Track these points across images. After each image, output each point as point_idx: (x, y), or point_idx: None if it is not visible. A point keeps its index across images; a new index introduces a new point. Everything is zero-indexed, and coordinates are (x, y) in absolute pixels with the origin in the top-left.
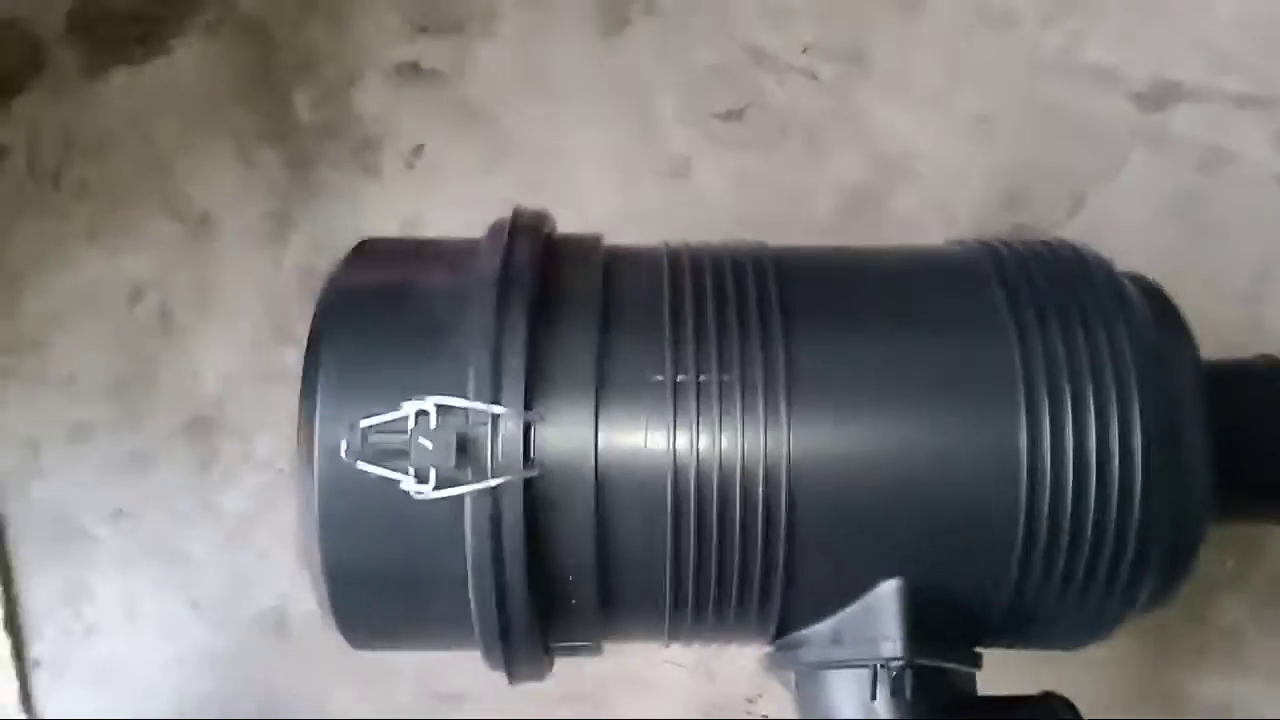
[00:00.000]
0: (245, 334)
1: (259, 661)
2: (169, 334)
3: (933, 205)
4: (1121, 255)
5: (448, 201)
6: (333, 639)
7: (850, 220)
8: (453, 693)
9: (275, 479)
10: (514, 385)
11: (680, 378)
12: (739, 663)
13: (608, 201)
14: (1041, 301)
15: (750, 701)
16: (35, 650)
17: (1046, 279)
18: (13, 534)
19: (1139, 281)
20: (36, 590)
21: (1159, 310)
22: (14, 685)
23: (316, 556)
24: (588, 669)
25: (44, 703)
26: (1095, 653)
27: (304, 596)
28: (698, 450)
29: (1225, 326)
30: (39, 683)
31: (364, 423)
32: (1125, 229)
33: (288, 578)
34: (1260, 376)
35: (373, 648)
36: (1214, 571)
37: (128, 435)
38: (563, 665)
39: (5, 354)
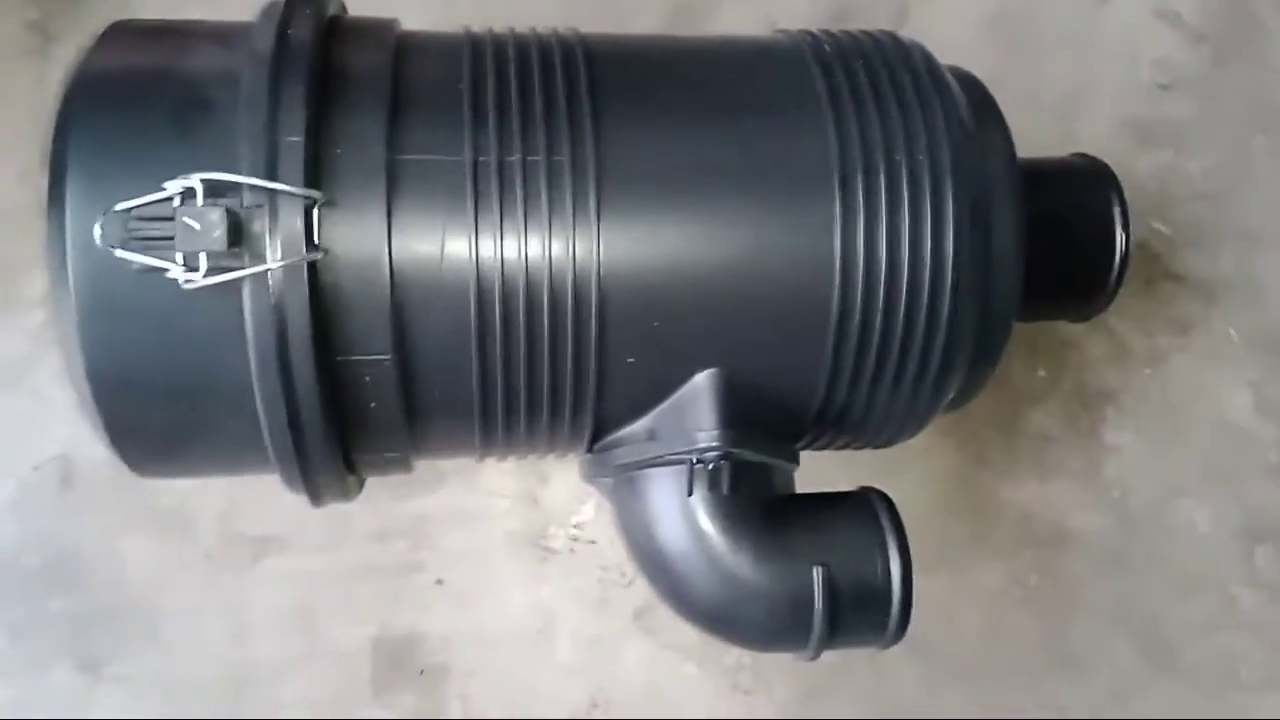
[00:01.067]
0: (8, 162)
1: (44, 513)
2: None
3: (760, 19)
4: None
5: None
6: (124, 487)
7: (672, 31)
8: (262, 536)
9: (49, 320)
10: (293, 160)
11: (481, 158)
12: (563, 490)
13: (418, 12)
14: (858, 85)
15: (576, 528)
16: None
17: (865, 64)
18: None
19: (957, 73)
20: None
21: (976, 100)
22: None
23: (79, 363)
24: (405, 504)
25: None
26: (913, 466)
27: (90, 444)
28: (501, 241)
29: (1039, 142)
30: None
31: (121, 205)
32: (946, 45)
33: (71, 423)
34: (1074, 172)
35: (158, 473)
36: (1026, 381)
37: None
38: (378, 501)
39: None
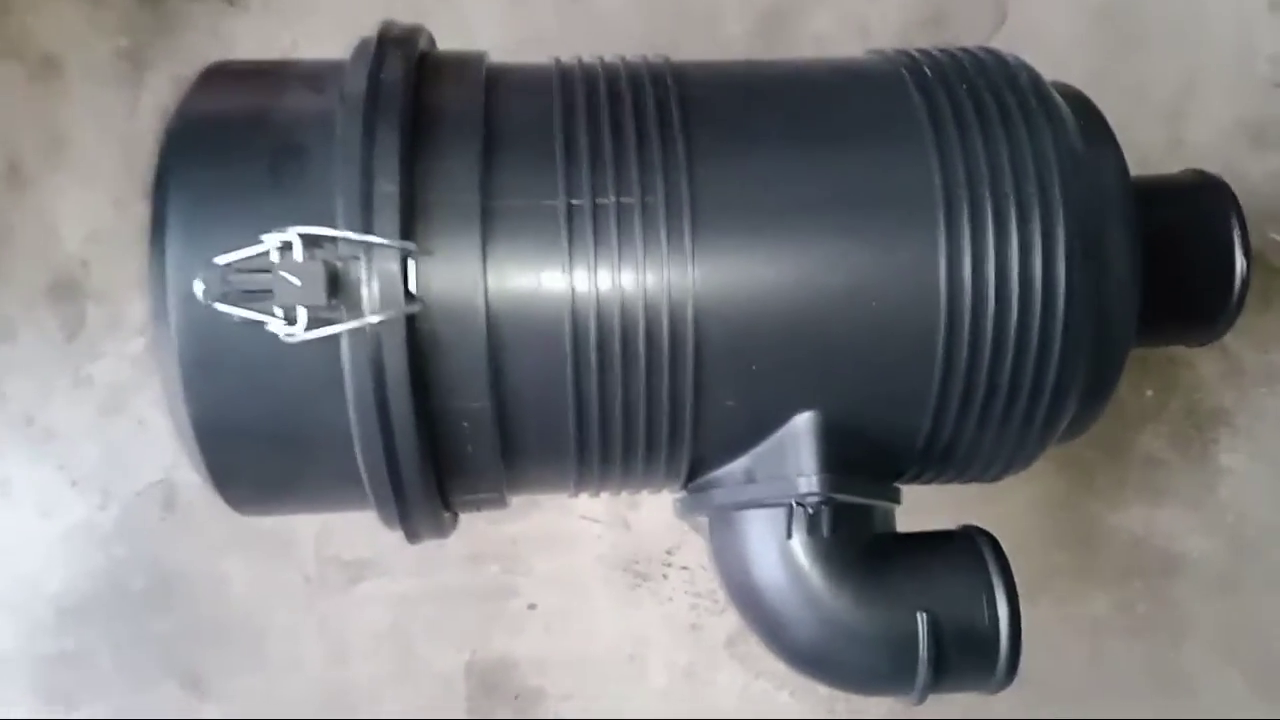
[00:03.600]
0: (104, 188)
1: (148, 536)
2: (20, 190)
3: (850, 24)
4: (1044, 70)
5: (320, 32)
6: (224, 511)
7: (762, 42)
8: (356, 560)
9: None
10: (388, 211)
11: (575, 201)
12: (657, 514)
13: (498, 28)
14: (962, 109)
15: (669, 553)
16: None
17: (967, 86)
18: None
19: (1064, 90)
20: None
21: (1085, 119)
22: None
23: (184, 414)
24: (498, 528)
25: None
26: (1015, 492)
27: (191, 468)
28: (597, 284)
29: (1146, 143)
30: None
31: (221, 260)
32: (1045, 43)
33: (172, 449)
34: (1189, 191)
35: (260, 512)
36: (1133, 402)
37: None
38: (472, 525)
39: None
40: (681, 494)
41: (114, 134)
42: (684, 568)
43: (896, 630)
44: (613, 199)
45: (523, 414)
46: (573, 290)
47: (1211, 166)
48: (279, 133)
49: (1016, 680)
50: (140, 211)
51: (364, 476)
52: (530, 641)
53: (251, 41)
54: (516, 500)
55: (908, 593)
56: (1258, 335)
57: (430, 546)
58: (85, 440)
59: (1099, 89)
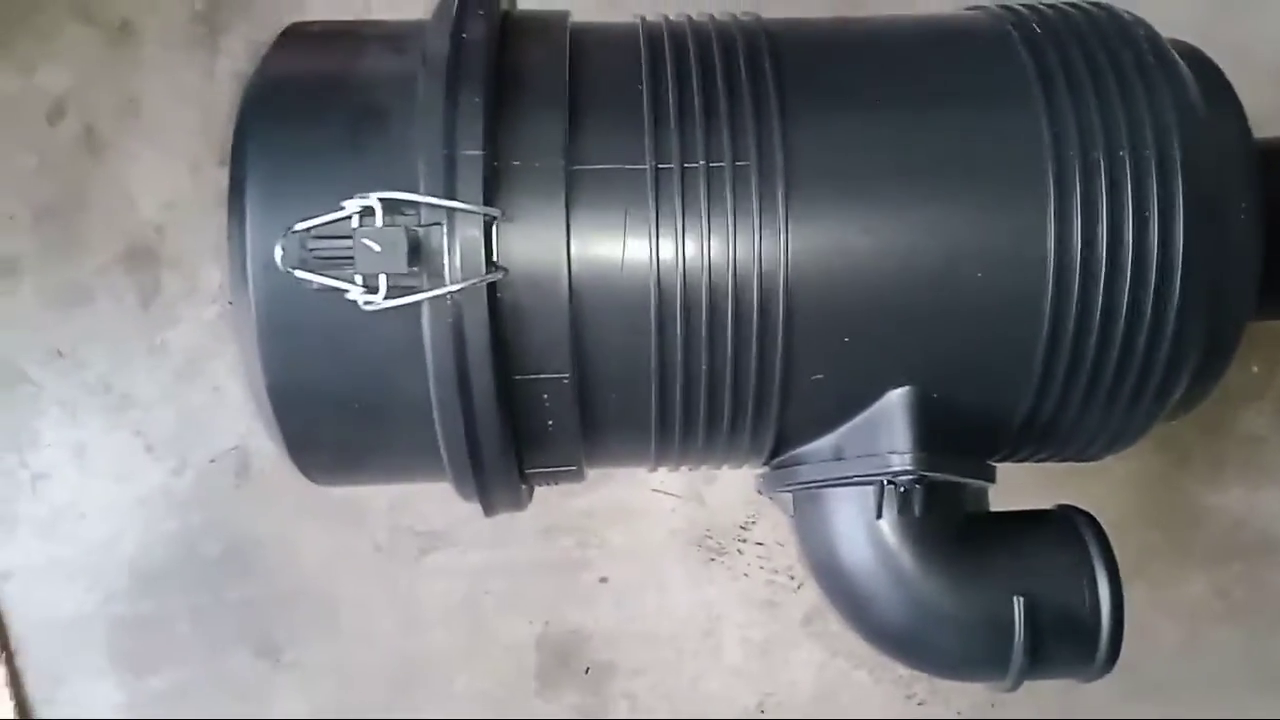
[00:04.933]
0: (180, 153)
1: (222, 503)
2: (96, 155)
3: None
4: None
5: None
6: (298, 479)
7: (851, 3)
8: (429, 530)
9: (226, 312)
10: (471, 176)
11: (662, 165)
12: (731, 488)
13: None
14: (1073, 67)
15: (743, 528)
16: None
17: (1078, 41)
18: None
19: (1182, 48)
20: None
21: (1205, 79)
22: None
23: (260, 381)
24: (571, 501)
25: None
26: (1107, 470)
27: (265, 436)
28: (684, 251)
29: (1253, 110)
30: None
31: (300, 225)
32: (1147, 3)
33: (247, 416)
34: None
35: (334, 482)
36: (1238, 377)
37: (59, 269)
38: (545, 497)
39: None
40: (765, 470)
41: (190, 99)
42: (759, 543)
43: (991, 614)
44: (702, 162)
45: (604, 385)
46: (658, 258)
47: None
48: (359, 95)
49: None
50: (216, 177)
51: (442, 448)
52: (602, 615)
53: (329, 6)
54: (591, 474)
55: (1003, 575)
56: None
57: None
58: (161, 406)
59: (1205, 49)
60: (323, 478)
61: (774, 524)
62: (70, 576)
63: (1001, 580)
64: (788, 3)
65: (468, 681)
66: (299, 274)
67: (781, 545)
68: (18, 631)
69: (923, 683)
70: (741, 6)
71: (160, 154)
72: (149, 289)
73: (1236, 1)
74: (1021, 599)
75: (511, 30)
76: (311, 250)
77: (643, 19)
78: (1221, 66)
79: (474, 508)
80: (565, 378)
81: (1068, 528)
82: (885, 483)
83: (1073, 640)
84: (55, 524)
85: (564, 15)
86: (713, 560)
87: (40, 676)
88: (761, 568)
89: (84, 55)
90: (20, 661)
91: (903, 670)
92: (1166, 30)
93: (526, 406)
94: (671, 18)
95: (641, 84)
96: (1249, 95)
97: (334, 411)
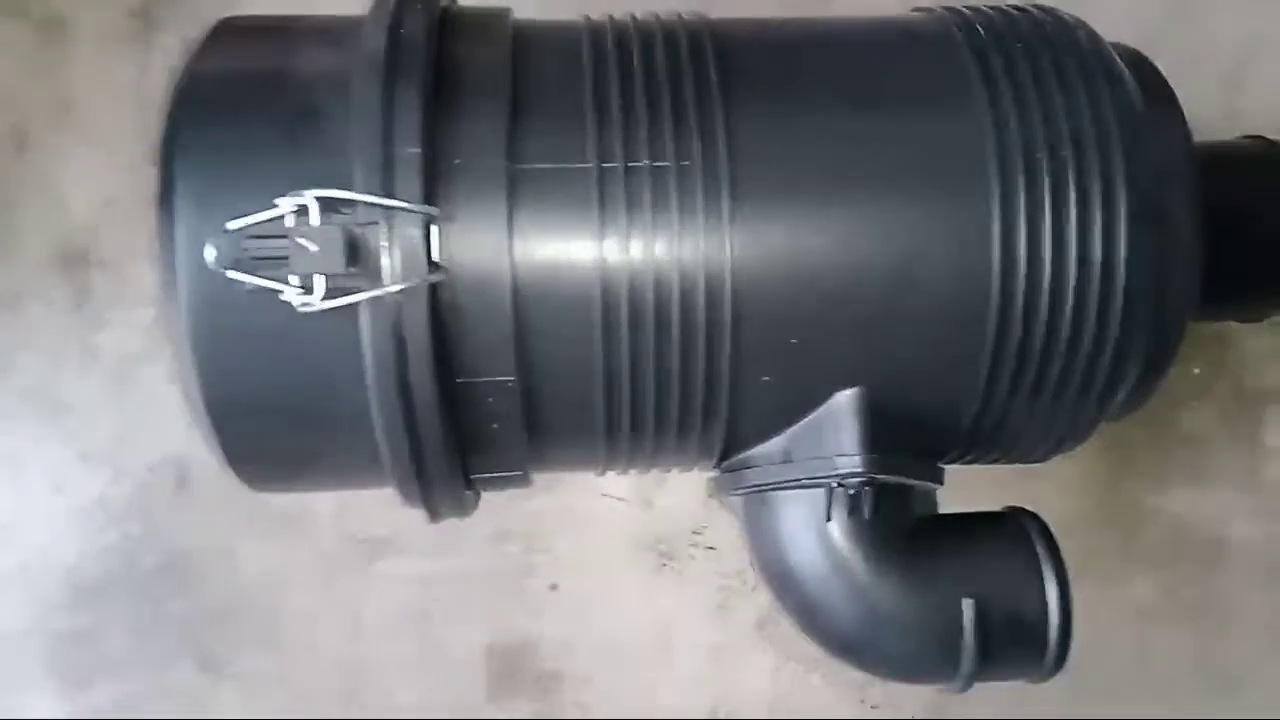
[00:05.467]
0: (113, 152)
1: (161, 512)
2: (25, 155)
3: None
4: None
5: None
6: (239, 487)
7: (799, 5)
8: (376, 538)
9: (161, 315)
10: (410, 174)
11: (606, 165)
12: (683, 492)
13: None
14: (1016, 69)
15: (695, 533)
16: None
17: (1022, 45)
18: None
19: (1126, 52)
20: None
21: (1146, 81)
22: None
23: (194, 386)
24: (519, 506)
25: None
26: (1054, 472)
27: (204, 443)
28: (629, 252)
29: (1203, 111)
30: None
31: (233, 224)
32: (1100, 7)
33: (184, 423)
34: (1254, 159)
35: (274, 489)
36: (1180, 380)
37: None
38: (493, 503)
39: None
40: (714, 473)
41: (123, 96)
42: (711, 548)
43: (941, 616)
44: (647, 162)
45: (550, 388)
46: (604, 259)
47: (1271, 135)
48: (294, 91)
49: None
50: (150, 176)
51: (384, 453)
52: (553, 623)
53: (263, 4)
54: (539, 478)
55: (952, 577)
56: None
57: (450, 525)
58: (96, 414)
59: (1152, 53)
60: (264, 485)
61: (725, 528)
62: (5, 588)
63: (951, 582)
64: (740, 3)
65: (416, 691)
66: (232, 274)
67: (733, 549)
68: None
69: (876, 687)
70: (696, 6)
71: (92, 153)
72: (81, 292)
73: (1187, 9)
74: (971, 601)
75: (451, 26)
76: (245, 250)
77: (586, 17)
78: (1171, 73)
79: (420, 514)
80: (510, 380)
81: (1016, 530)
82: (834, 485)
83: (1022, 642)
84: None
85: (505, 12)
86: (664, 566)
87: None
88: (714, 572)
89: (11, 50)
90: None
91: (856, 675)
92: (1117, 36)
93: (470, 410)
94: (615, 17)
95: (585, 82)
96: (1199, 101)
97: (272, 418)
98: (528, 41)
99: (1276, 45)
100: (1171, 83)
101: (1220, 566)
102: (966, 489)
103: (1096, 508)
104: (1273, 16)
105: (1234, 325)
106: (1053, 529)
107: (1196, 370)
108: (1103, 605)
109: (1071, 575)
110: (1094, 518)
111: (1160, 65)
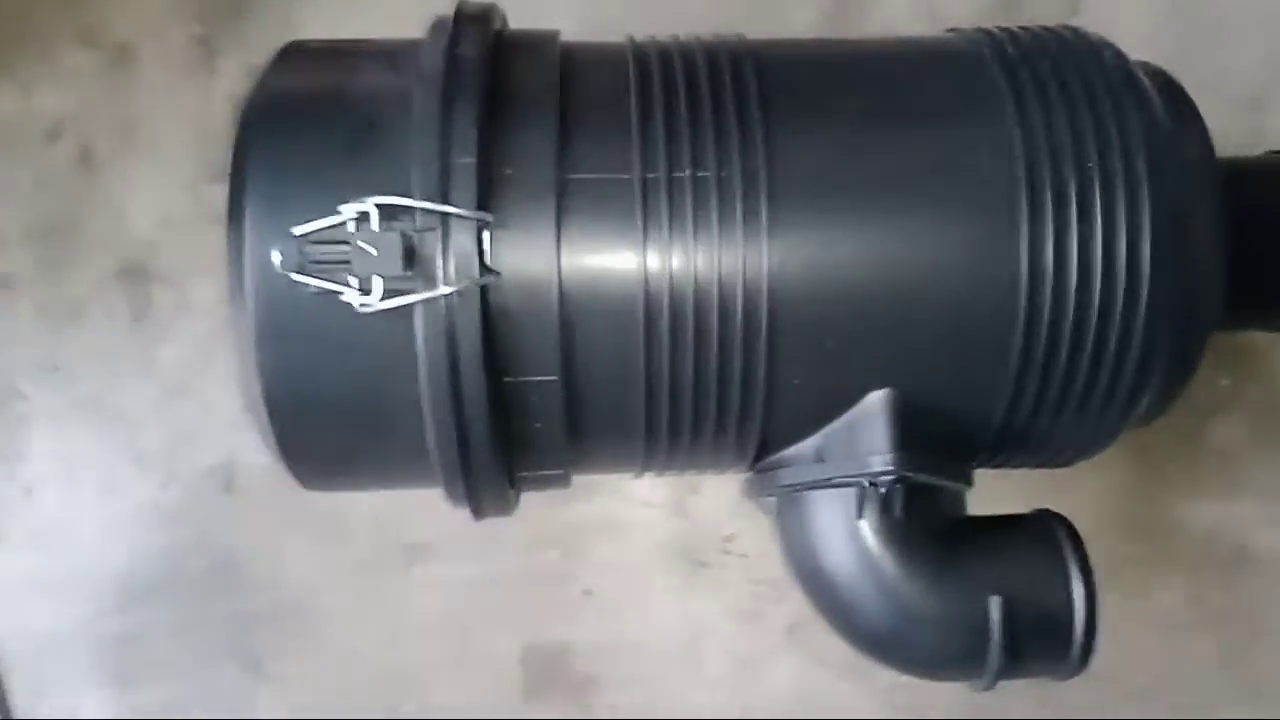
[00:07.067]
0: (175, 173)
1: (209, 517)
2: (92, 175)
3: (922, 10)
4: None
5: (392, 17)
6: (284, 493)
7: (831, 28)
8: (416, 543)
9: (216, 328)
10: (465, 182)
11: (649, 175)
12: (715, 501)
13: (569, 11)
14: (1045, 86)
15: (727, 540)
16: None
17: (1050, 62)
18: None
19: (1150, 70)
20: None
21: (1170, 97)
22: None
23: (255, 382)
24: (557, 514)
25: None
26: (1085, 482)
27: (252, 450)
28: (671, 259)
29: (1225, 133)
30: None
31: (298, 230)
32: (1123, 33)
33: (234, 431)
34: (1278, 173)
35: (324, 486)
36: (1208, 391)
37: (54, 286)
38: (530, 510)
39: None
40: (749, 474)
41: (186, 120)
42: (743, 555)
43: (968, 613)
44: (688, 173)
45: (592, 389)
46: (646, 265)
47: None
48: (356, 107)
49: (1089, 673)
50: (209, 195)
51: (433, 449)
52: (587, 627)
53: (322, 29)
54: (575, 485)
55: (981, 576)
56: None
57: (487, 532)
58: (150, 421)
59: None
60: (315, 482)
61: (757, 536)
62: (57, 589)
63: (979, 581)
64: (775, 25)
65: (453, 693)
66: (296, 277)
67: (764, 556)
68: (3, 645)
69: (903, 692)
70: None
71: (155, 173)
72: (141, 305)
73: (1205, 35)
74: (998, 599)
75: (504, 47)
76: (309, 255)
77: (631, 38)
78: (1193, 97)
79: (460, 519)
80: (554, 380)
81: (1043, 531)
82: (866, 484)
83: (1048, 639)
84: (44, 538)
85: (554, 34)
86: (697, 572)
87: (24, 691)
88: (745, 579)
89: (83, 79)
90: (6, 675)
91: (882, 681)
92: (1140, 58)
93: (515, 409)
94: (659, 37)
95: (630, 98)
96: (1220, 124)
97: (328, 414)
98: (575, 60)
99: None
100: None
101: (1246, 575)
102: (998, 499)
103: (1126, 517)
104: None
105: (1262, 338)
106: (1083, 537)
107: (1225, 382)
108: (1131, 612)
109: (1101, 582)
110: (1123, 527)
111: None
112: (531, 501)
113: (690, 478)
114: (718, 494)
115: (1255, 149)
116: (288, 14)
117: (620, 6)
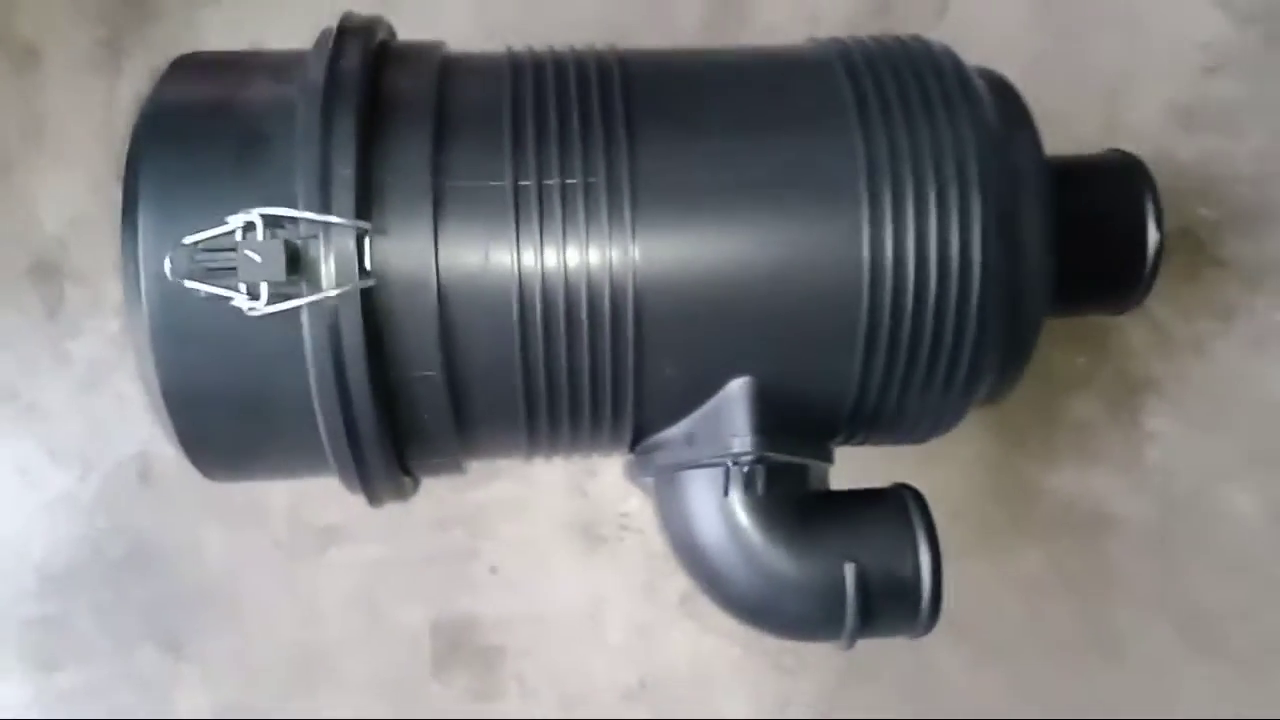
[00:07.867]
0: (83, 172)
1: (126, 505)
2: (2, 175)
3: (801, 13)
4: (987, 59)
5: (293, 23)
6: (199, 482)
7: (714, 30)
8: (328, 526)
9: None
10: (344, 193)
11: (522, 182)
12: (612, 481)
13: (463, 16)
14: (885, 93)
15: (624, 516)
16: None
17: (893, 71)
18: None
19: (987, 75)
20: None
21: (1004, 102)
22: None
23: (154, 383)
24: (463, 496)
25: None
26: (954, 455)
27: (167, 441)
28: (543, 260)
29: (1084, 126)
30: None
31: (188, 239)
32: (990, 31)
33: (149, 423)
34: (1107, 169)
35: (228, 478)
36: (1067, 369)
37: None
38: (437, 492)
39: None
40: (629, 456)
41: (92, 120)
42: (639, 531)
43: (826, 580)
44: (558, 180)
45: (474, 382)
46: (520, 266)
47: (1144, 148)
48: (244, 120)
49: (957, 634)
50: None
51: (325, 443)
52: (493, 602)
53: (224, 32)
54: (480, 469)
55: (837, 545)
56: (1185, 306)
57: (397, 513)
58: (66, 414)
59: (1040, 75)
60: (219, 474)
61: (650, 514)
62: None
63: (835, 549)
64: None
65: (366, 668)
66: (187, 283)
67: (658, 533)
68: None
69: (790, 654)
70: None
71: (64, 173)
72: (53, 301)
73: (1068, 33)
74: (853, 566)
75: (386, 59)
76: (199, 261)
77: (509, 49)
78: (1055, 91)
79: (364, 501)
80: (436, 375)
81: (896, 502)
82: (730, 464)
83: (899, 602)
84: None
85: (437, 45)
86: (595, 548)
87: None
88: (641, 553)
89: None
90: None
91: (771, 644)
92: (1004, 59)
93: (403, 402)
94: (536, 49)
95: (504, 108)
96: (1080, 117)
97: (225, 411)
98: (454, 71)
99: (1147, 67)
100: (1055, 103)
101: (1103, 540)
102: (874, 473)
103: (991, 486)
104: (1144, 41)
105: (1115, 319)
106: (953, 506)
107: (1081, 360)
108: (996, 575)
109: (969, 548)
110: (989, 495)
111: (1044, 87)
112: (439, 484)
113: (587, 461)
114: (615, 473)
115: (1112, 137)
116: (190, 17)
117: (515, 10)
